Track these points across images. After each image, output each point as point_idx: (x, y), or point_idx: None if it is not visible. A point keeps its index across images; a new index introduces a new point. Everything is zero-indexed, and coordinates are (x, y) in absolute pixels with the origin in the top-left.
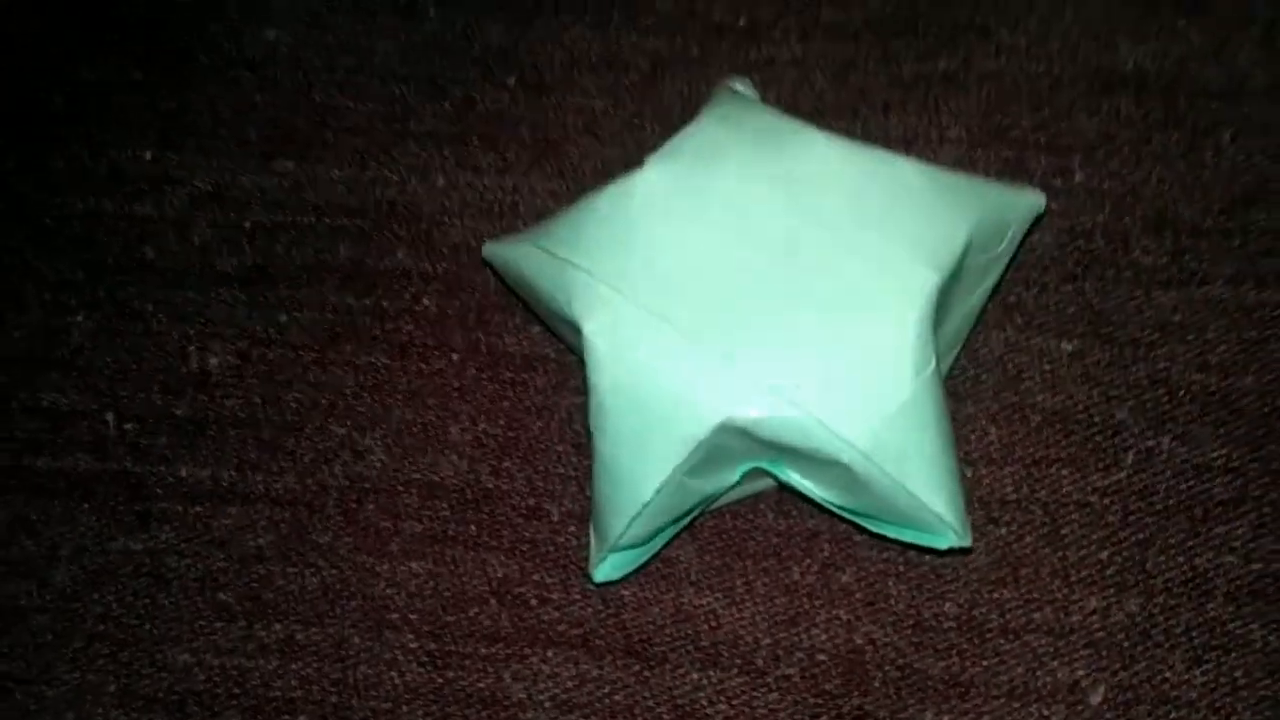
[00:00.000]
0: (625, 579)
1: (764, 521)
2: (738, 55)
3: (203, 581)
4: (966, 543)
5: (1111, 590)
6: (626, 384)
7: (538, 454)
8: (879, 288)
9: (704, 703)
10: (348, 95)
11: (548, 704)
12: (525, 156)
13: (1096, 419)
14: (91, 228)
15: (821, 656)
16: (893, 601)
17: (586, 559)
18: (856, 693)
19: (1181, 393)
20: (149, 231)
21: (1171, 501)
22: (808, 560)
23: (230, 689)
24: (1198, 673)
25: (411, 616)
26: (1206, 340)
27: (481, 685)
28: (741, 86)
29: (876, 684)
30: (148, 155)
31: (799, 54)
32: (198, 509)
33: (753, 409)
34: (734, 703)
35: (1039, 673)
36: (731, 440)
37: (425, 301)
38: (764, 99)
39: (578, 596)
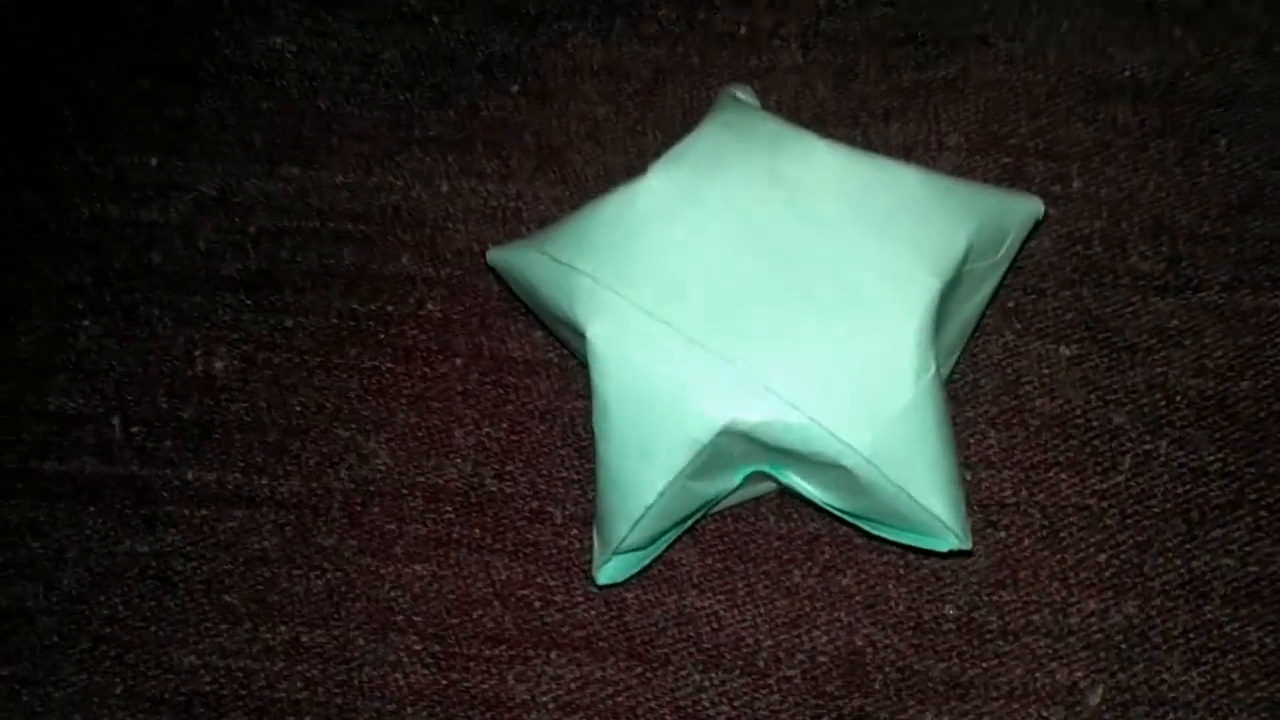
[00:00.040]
0: (628, 582)
1: (765, 525)
2: (739, 63)
3: (208, 584)
4: (966, 545)
5: (1110, 592)
6: (630, 388)
7: (541, 458)
8: (880, 293)
9: (706, 704)
10: (353, 102)
11: (551, 705)
12: (528, 163)
13: (1094, 423)
14: (98, 233)
15: (823, 658)
16: (893, 604)
17: (589, 562)
18: (857, 694)
19: (1178, 397)
20: (155, 237)
21: (1169, 505)
22: (809, 563)
23: (236, 690)
24: (1195, 674)
25: (416, 619)
26: (1203, 345)
27: (485, 687)
28: (743, 94)
29: (877, 685)
30: (154, 161)
31: (800, 62)
32: (203, 512)
33: (755, 413)
34: (736, 704)
35: (1038, 674)
36: (733, 444)
37: (429, 306)
38: (765, 106)
39: (581, 599)
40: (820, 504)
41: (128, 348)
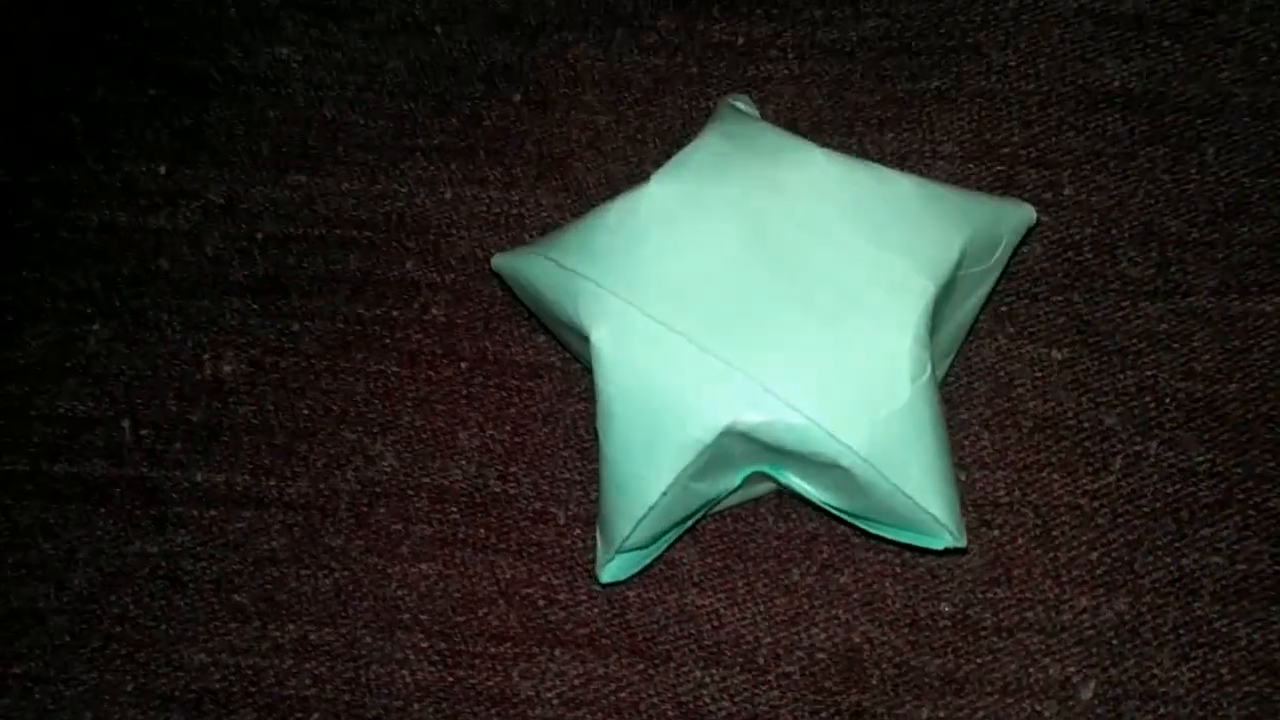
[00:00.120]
0: (630, 580)
1: (764, 524)
2: (736, 73)
3: (218, 583)
4: (962, 543)
5: (1101, 590)
6: (633, 390)
7: (544, 459)
8: (877, 298)
9: (707, 700)
10: (358, 111)
11: (555, 701)
12: (530, 170)
13: (1086, 425)
14: (107, 240)
15: (821, 655)
16: (890, 601)
17: (592, 561)
18: (855, 690)
19: (1168, 399)
20: (164, 243)
21: (1159, 504)
22: (807, 562)
23: (245, 688)
24: (1185, 669)
25: (422, 617)
26: (1192, 349)
27: (490, 683)
28: (742, 104)
29: (874, 681)
30: (162, 169)
31: (796, 72)
32: (212, 513)
33: (755, 414)
34: (736, 700)
35: (1031, 669)
36: (734, 445)
37: (434, 311)
38: (763, 115)
39: (584, 597)
40: (818, 503)
41: (137, 352)
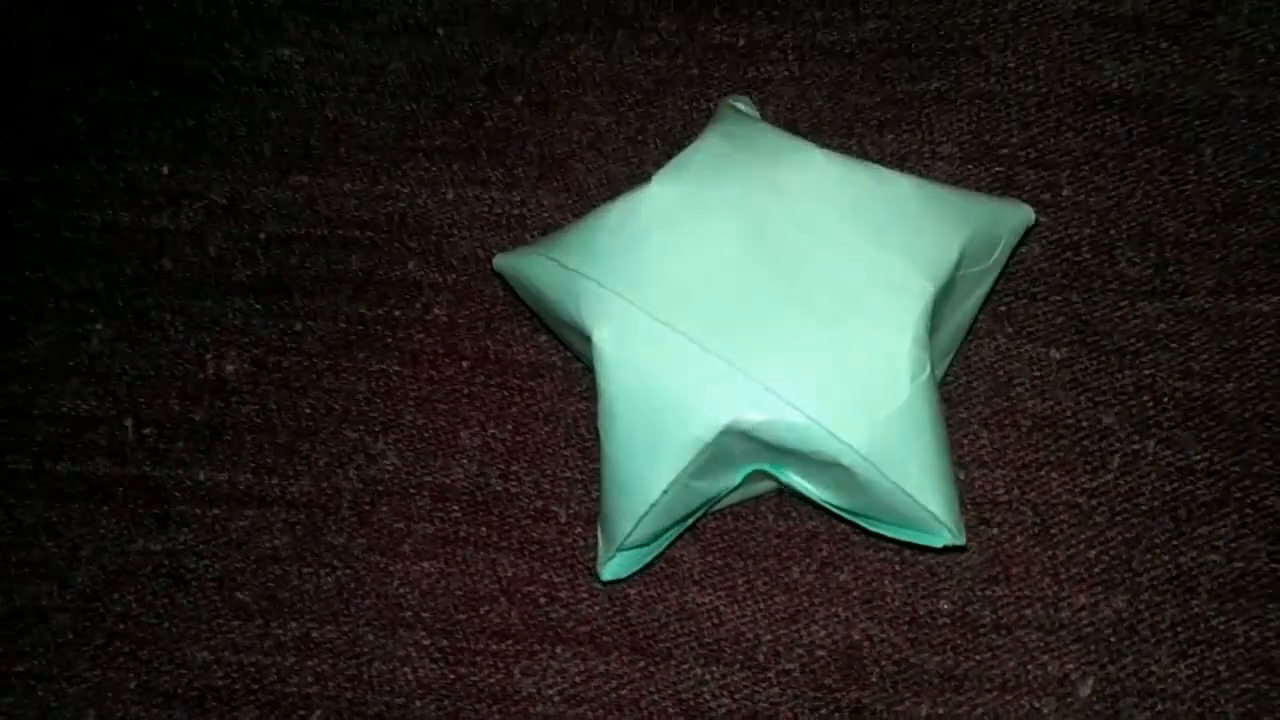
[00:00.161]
0: (631, 578)
1: (764, 523)
2: (737, 75)
3: (220, 581)
4: (961, 541)
5: (1099, 587)
6: (634, 389)
7: (545, 458)
8: (877, 298)
9: (707, 697)
10: (360, 112)
11: (556, 698)
12: (532, 171)
13: (1084, 424)
14: (110, 240)
15: (821, 652)
16: (889, 599)
17: (593, 559)
18: (854, 687)
19: (1165, 399)
20: (166, 243)
21: (1156, 503)
22: (807, 559)
23: (248, 685)
24: (1183, 666)
25: (424, 614)
26: (1189, 348)
27: (492, 680)
28: (743, 105)
29: (874, 678)
30: (165, 170)
31: (796, 73)
32: (215, 511)
33: (756, 413)
34: (736, 697)
35: (1030, 666)
36: (735, 443)
37: (435, 311)
38: (763, 117)
39: (585, 595)
40: (819, 502)
41: (140, 351)
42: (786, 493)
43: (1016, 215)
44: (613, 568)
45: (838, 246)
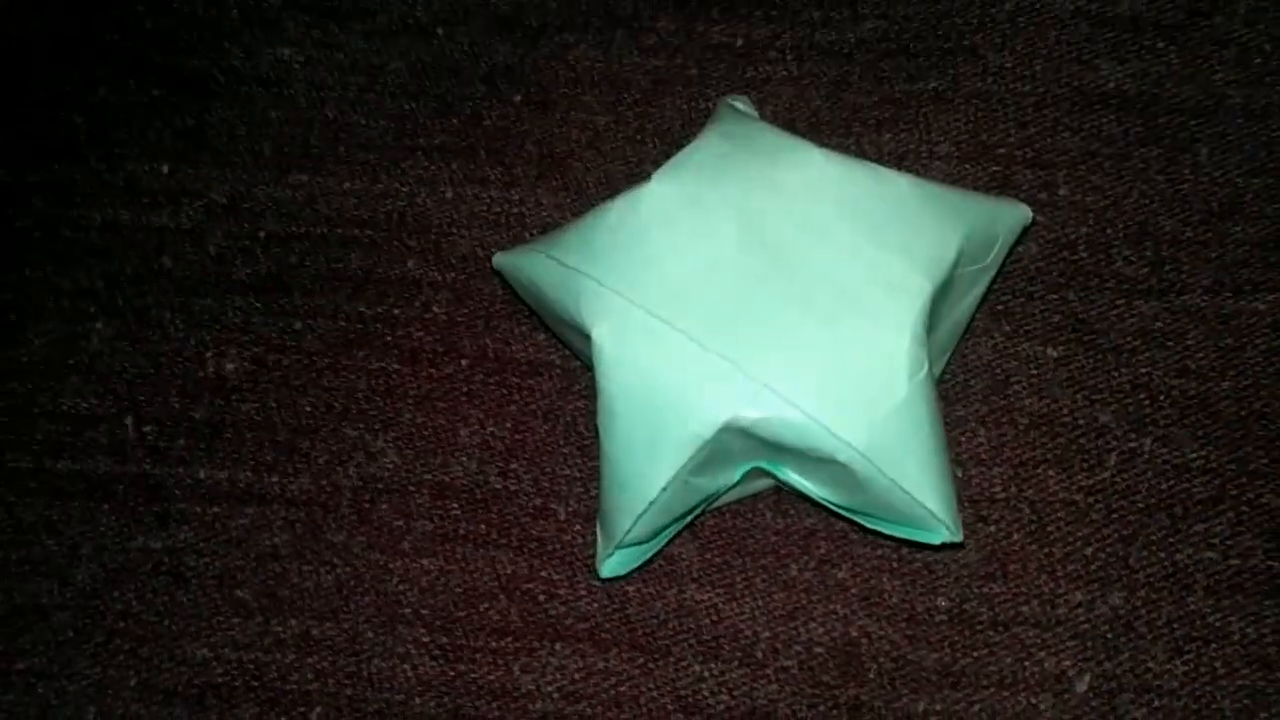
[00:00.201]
0: (630, 575)
1: (763, 520)
2: (735, 74)
3: (220, 579)
4: (959, 538)
5: (1096, 584)
6: (633, 387)
7: (544, 456)
8: (875, 295)
9: (706, 694)
10: (359, 111)
11: (555, 695)
12: (531, 170)
13: (1081, 422)
14: (110, 238)
15: (819, 649)
16: (887, 596)
17: (592, 556)
18: (852, 683)
19: (1162, 397)
20: (166, 242)
21: (1153, 500)
22: (805, 557)
23: (248, 682)
24: (1179, 663)
25: (423, 612)
26: (1186, 347)
27: (491, 677)
28: (741, 104)
29: (871, 675)
30: (165, 169)
31: (795, 73)
32: (215, 509)
33: (755, 410)
34: (735, 694)
35: (1027, 663)
36: (734, 441)
37: (435, 309)
38: (762, 116)
39: (584, 592)
40: (817, 499)
41: (140, 350)
42: (785, 490)
43: (1014, 214)
44: (612, 565)
45: (836, 245)
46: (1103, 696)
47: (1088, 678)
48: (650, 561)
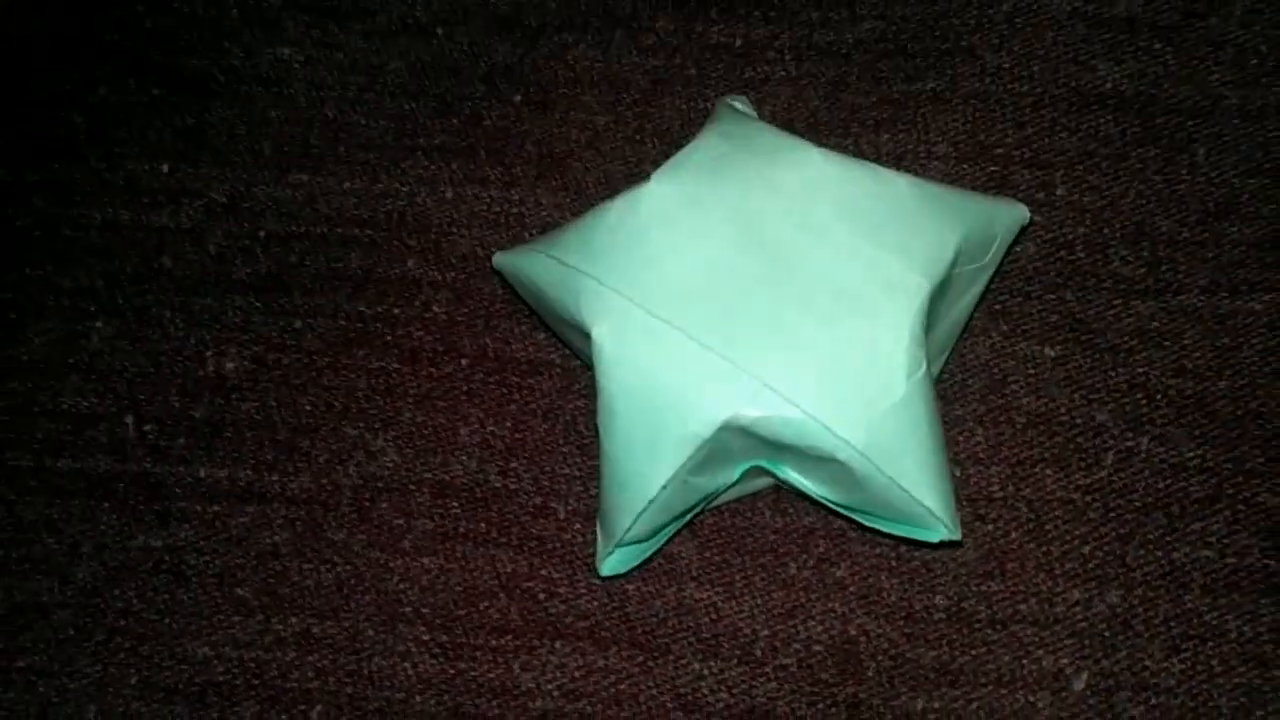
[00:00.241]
0: (629, 574)
1: (762, 519)
2: (734, 74)
3: (221, 577)
4: (957, 536)
5: (1093, 583)
6: (634, 386)
7: (544, 455)
8: (874, 295)
9: (705, 691)
10: (359, 111)
11: (555, 693)
12: (530, 170)
13: (1078, 421)
14: (110, 238)
15: (817, 647)
16: (885, 594)
17: (592, 555)
18: (851, 681)
19: (1159, 396)
20: (166, 241)
21: (1150, 499)
22: (804, 555)
23: (249, 680)
24: (1176, 661)
25: (424, 610)
26: (1182, 346)
27: (492, 675)
28: (740, 105)
29: (870, 673)
30: (165, 168)
31: (793, 73)
32: (215, 508)
33: (754, 409)
34: (734, 692)
35: (1025, 661)
36: (733, 439)
37: (434, 309)
38: (761, 116)
39: (584, 590)
40: (815, 498)
41: (140, 349)
42: (784, 489)
43: (1011, 214)
44: (611, 563)
45: (835, 244)
46: (1100, 694)
47: (1085, 675)
48: (650, 560)
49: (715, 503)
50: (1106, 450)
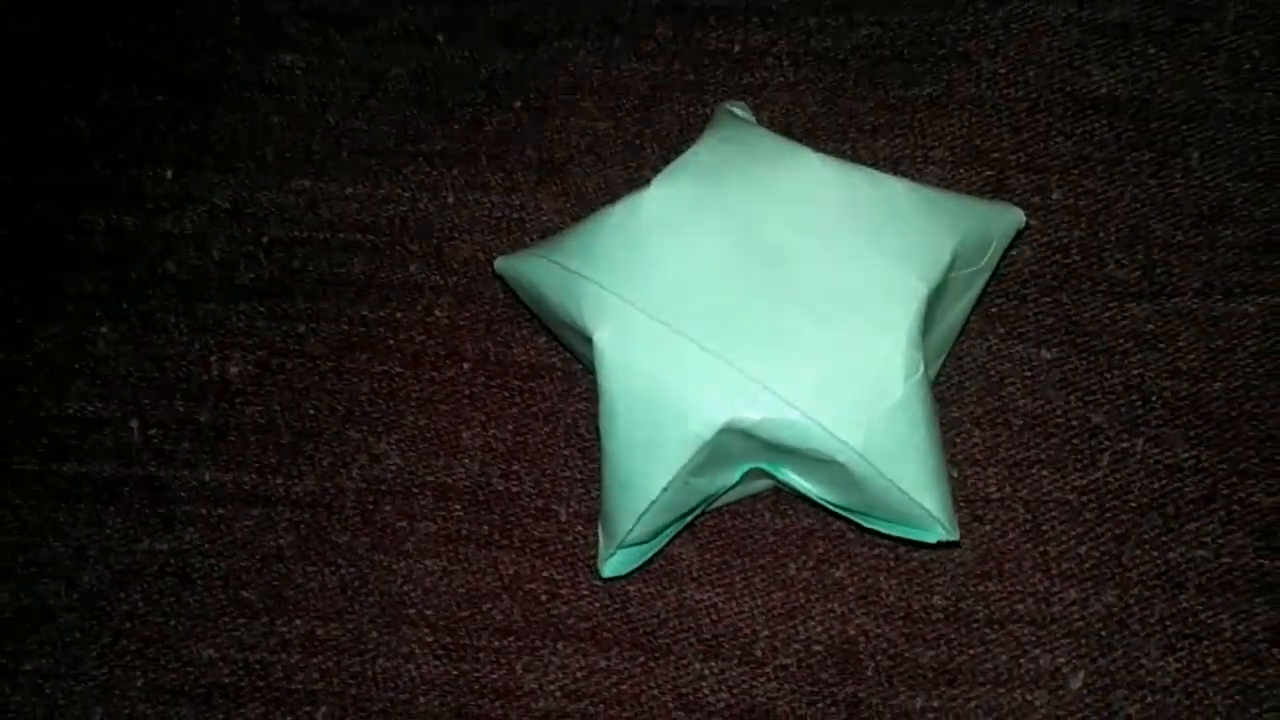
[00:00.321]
0: (630, 575)
1: (761, 520)
2: (733, 80)
3: (226, 580)
4: (955, 537)
5: (1090, 583)
6: (635, 389)
7: (545, 457)
8: (872, 298)
9: (706, 692)
10: (361, 117)
11: (558, 694)
12: (531, 175)
13: (1074, 422)
14: (114, 243)
15: (817, 647)
16: (884, 595)
17: (594, 556)
18: (850, 681)
19: (1154, 398)
20: (170, 247)
21: (1145, 500)
22: (803, 556)
23: (253, 682)
24: (1171, 660)
25: (427, 612)
26: (1177, 349)
27: (494, 676)
28: (739, 110)
29: (869, 673)
30: (168, 174)
31: (791, 79)
32: (220, 511)
33: (754, 411)
34: (734, 692)
35: (1022, 660)
36: (734, 441)
37: (437, 313)
38: (759, 121)
39: (585, 592)
40: (815, 499)
41: (144, 354)
42: (783, 491)
43: (1007, 218)
44: (613, 565)
45: (834, 248)
46: (1096, 693)
47: (1082, 674)
48: (651, 561)
49: (715, 505)
50: (1102, 451)
